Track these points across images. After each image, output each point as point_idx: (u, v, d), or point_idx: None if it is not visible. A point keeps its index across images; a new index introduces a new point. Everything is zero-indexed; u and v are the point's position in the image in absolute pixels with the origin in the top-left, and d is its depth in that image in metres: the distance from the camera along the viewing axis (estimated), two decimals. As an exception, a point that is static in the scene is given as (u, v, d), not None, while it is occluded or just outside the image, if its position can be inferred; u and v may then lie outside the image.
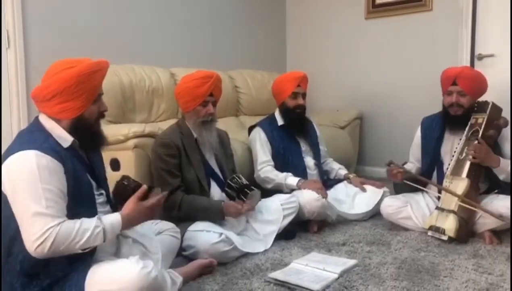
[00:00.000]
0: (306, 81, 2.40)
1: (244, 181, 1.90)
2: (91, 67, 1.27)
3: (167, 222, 1.65)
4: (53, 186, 1.16)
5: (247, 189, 1.87)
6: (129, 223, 1.26)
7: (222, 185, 1.97)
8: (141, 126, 2.09)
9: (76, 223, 1.17)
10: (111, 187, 1.39)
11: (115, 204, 1.37)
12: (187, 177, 1.89)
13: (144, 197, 1.30)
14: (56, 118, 1.27)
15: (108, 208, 1.37)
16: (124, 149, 2.04)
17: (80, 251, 1.18)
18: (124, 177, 1.38)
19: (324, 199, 2.12)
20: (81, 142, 1.29)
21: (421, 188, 2.12)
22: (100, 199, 1.34)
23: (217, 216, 1.85)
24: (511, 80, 2.72)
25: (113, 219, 1.24)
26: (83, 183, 1.26)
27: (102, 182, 1.37)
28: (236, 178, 1.91)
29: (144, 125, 2.09)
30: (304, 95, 2.38)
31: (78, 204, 1.22)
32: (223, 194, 1.95)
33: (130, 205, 1.27)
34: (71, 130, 1.27)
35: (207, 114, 1.92)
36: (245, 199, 1.86)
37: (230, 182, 1.90)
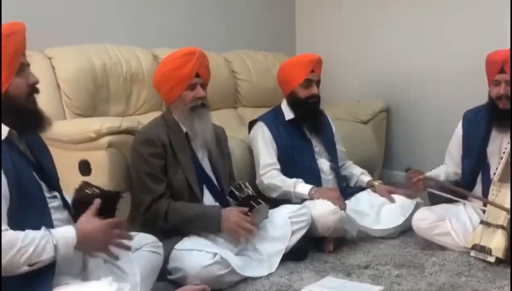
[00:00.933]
0: (320, 66, 2.41)
1: (251, 191, 1.92)
2: (2, 30, 1.27)
3: (146, 235, 1.66)
4: None
5: (252, 201, 1.88)
6: (85, 240, 1.26)
7: (216, 192, 1.98)
8: (116, 120, 2.09)
9: (20, 233, 1.19)
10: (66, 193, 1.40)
11: (75, 215, 1.38)
12: (174, 182, 1.91)
13: (110, 208, 1.31)
14: None
15: (66, 214, 1.38)
16: (95, 148, 2.05)
17: (26, 268, 1.19)
18: (85, 184, 1.39)
19: (342, 211, 2.13)
20: (15, 127, 1.29)
21: (456, 198, 2.12)
22: (54, 203, 1.35)
23: (213, 224, 1.86)
24: (511, 79, 2.84)
25: (65, 231, 1.25)
26: (29, 183, 1.27)
27: (54, 183, 1.38)
28: (242, 185, 1.93)
29: (120, 120, 2.10)
30: (318, 83, 2.39)
31: (27, 209, 1.23)
32: (217, 204, 1.96)
33: (82, 221, 1.28)
34: (4, 116, 1.27)
35: (195, 98, 1.93)
36: (249, 214, 1.87)
37: (234, 190, 1.92)
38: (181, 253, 1.78)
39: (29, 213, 1.23)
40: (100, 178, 1.95)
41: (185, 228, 1.85)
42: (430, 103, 3.30)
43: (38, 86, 1.34)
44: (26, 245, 1.18)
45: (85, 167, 2.05)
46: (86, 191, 1.37)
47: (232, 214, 1.86)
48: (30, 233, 1.21)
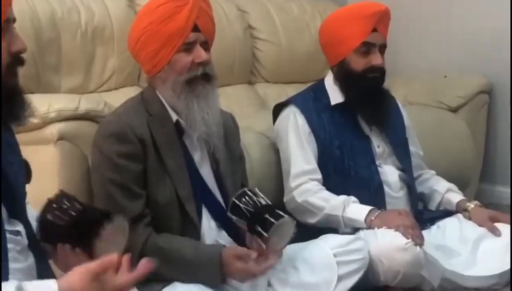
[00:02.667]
0: (387, 23, 2.42)
1: (263, 200, 1.92)
2: None
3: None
4: None
5: (268, 215, 1.86)
6: None
7: (220, 215, 1.99)
8: (71, 100, 2.10)
9: None
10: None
11: (40, 240, 1.41)
12: (158, 198, 1.92)
13: (95, 232, 1.33)
14: None
15: (31, 260, 1.40)
16: (39, 141, 2.06)
17: None
18: (63, 195, 1.42)
19: (417, 246, 2.11)
20: None
21: None
22: (14, 243, 1.37)
23: (212, 276, 1.86)
24: (511, 77, 2.77)
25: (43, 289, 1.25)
26: None
27: (19, 206, 1.41)
28: (249, 194, 1.92)
29: (77, 99, 2.10)
30: (383, 49, 2.39)
31: None
32: (222, 233, 1.98)
33: (76, 277, 1.26)
34: None
35: (195, 65, 1.94)
36: (265, 234, 1.84)
37: (237, 201, 1.90)
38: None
39: None
40: (46, 187, 1.92)
41: (169, 276, 1.86)
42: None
43: (24, 56, 1.38)
44: None
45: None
46: (62, 204, 1.40)
47: (237, 254, 1.85)
48: None
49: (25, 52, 1.37)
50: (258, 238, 1.85)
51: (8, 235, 1.34)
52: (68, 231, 1.35)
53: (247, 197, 1.90)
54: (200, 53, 1.94)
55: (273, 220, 1.84)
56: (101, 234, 1.35)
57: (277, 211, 1.88)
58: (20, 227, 1.38)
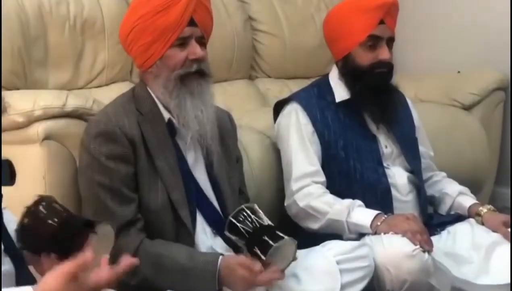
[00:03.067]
0: (395, 15, 2.42)
1: (264, 220, 1.92)
2: None
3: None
4: None
5: (267, 236, 1.86)
6: None
7: (215, 220, 2.01)
8: (58, 96, 2.10)
9: None
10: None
11: (19, 249, 1.41)
12: (150, 201, 1.93)
13: (75, 245, 1.32)
14: None
15: (8, 266, 1.41)
16: (24, 140, 2.07)
17: None
18: (41, 201, 1.41)
19: (426, 253, 2.12)
20: None
21: None
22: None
23: (208, 285, 1.87)
24: (511, 76, 2.92)
25: None
26: None
27: None
28: (247, 212, 1.92)
29: (65, 95, 2.11)
30: (391, 43, 2.39)
31: None
32: (218, 239, 1.99)
33: (52, 280, 1.26)
34: None
35: (189, 62, 1.95)
36: (263, 257, 1.85)
37: (233, 220, 1.91)
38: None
39: None
40: (31, 190, 1.95)
41: (163, 286, 1.86)
42: None
43: None
44: None
45: (5, 171, 2.08)
46: (40, 210, 1.38)
47: (237, 263, 1.85)
48: None
49: None
50: (257, 260, 1.85)
51: None
52: (49, 241, 1.34)
53: (245, 215, 1.90)
54: (195, 49, 1.95)
55: (271, 243, 1.84)
56: (85, 246, 1.34)
57: (277, 232, 1.88)
58: None
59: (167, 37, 1.94)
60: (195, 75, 1.96)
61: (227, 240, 1.97)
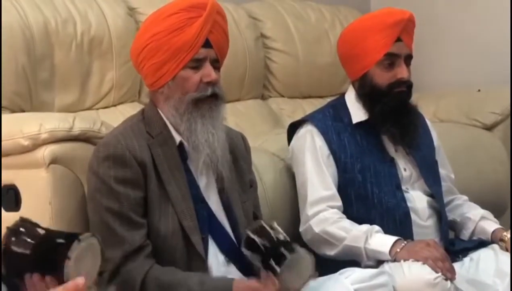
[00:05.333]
0: (412, 32, 2.43)
1: (281, 234, 1.91)
2: None
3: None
4: None
5: (285, 249, 1.85)
6: None
7: (228, 247, 2.01)
8: (65, 119, 2.09)
9: None
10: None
11: (5, 277, 1.40)
12: (160, 227, 1.93)
13: (61, 256, 1.32)
14: None
15: None
16: (29, 165, 2.06)
17: None
18: (22, 221, 1.40)
19: (448, 281, 2.11)
20: None
21: None
22: None
23: None
24: (511, 78, 2.97)
25: None
26: None
27: None
28: (266, 228, 1.91)
29: (72, 118, 2.10)
30: (409, 61, 2.40)
31: None
32: (231, 267, 1.98)
33: None
34: None
35: (203, 85, 1.95)
36: (278, 269, 1.82)
37: (251, 235, 1.90)
38: None
39: None
40: (37, 215, 1.86)
41: None
42: None
43: None
44: None
45: (11, 197, 2.07)
46: (20, 232, 1.36)
47: (248, 286, 1.85)
48: None
49: None
50: (272, 275, 1.82)
51: None
52: (31, 259, 1.32)
53: (263, 231, 1.89)
54: (209, 72, 1.94)
55: (287, 255, 1.82)
56: (70, 256, 1.32)
57: (293, 245, 1.87)
58: None
59: (180, 57, 1.93)
60: (209, 99, 1.96)
61: (241, 268, 1.97)
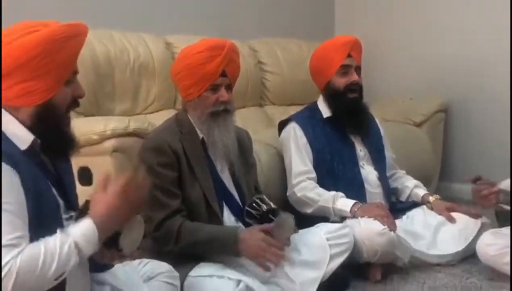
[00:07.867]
0: (359, 50, 2.43)
1: (267, 205, 1.94)
2: (64, 31, 1.28)
3: (160, 263, 1.67)
4: (10, 204, 1.18)
5: (272, 215, 1.91)
6: (107, 225, 1.26)
7: (237, 211, 2.00)
8: (123, 120, 2.12)
9: (36, 247, 1.19)
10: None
11: None
12: (191, 197, 1.92)
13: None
14: (13, 106, 1.28)
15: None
16: (98, 153, 2.08)
17: (54, 282, 1.20)
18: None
19: (391, 231, 2.12)
20: (45, 142, 1.31)
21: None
22: (69, 225, 1.34)
23: (229, 248, 1.86)
24: (511, 82, 2.91)
25: (83, 228, 1.24)
26: (47, 200, 1.28)
27: (72, 201, 1.39)
28: (258, 202, 1.95)
29: (127, 120, 2.12)
30: (358, 71, 2.40)
31: (39, 230, 1.23)
32: (240, 224, 1.98)
33: (97, 201, 1.27)
34: (33, 124, 1.29)
35: (218, 102, 1.94)
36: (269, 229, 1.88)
37: (249, 209, 1.95)
38: (197, 280, 1.78)
39: (42, 236, 1.23)
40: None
41: (198, 251, 1.87)
42: (498, 102, 3.24)
43: (80, 100, 1.38)
44: (50, 256, 1.18)
45: (85, 175, 2.07)
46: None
47: (253, 236, 1.85)
48: (48, 244, 1.20)
49: (83, 97, 1.39)
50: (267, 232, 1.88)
51: (65, 222, 1.32)
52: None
53: (257, 204, 1.94)
54: (223, 94, 1.94)
55: (273, 217, 1.90)
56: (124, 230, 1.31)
57: (278, 210, 1.93)
58: (73, 213, 1.35)
59: (202, 83, 1.92)
60: (223, 113, 1.96)
61: (246, 225, 1.97)
